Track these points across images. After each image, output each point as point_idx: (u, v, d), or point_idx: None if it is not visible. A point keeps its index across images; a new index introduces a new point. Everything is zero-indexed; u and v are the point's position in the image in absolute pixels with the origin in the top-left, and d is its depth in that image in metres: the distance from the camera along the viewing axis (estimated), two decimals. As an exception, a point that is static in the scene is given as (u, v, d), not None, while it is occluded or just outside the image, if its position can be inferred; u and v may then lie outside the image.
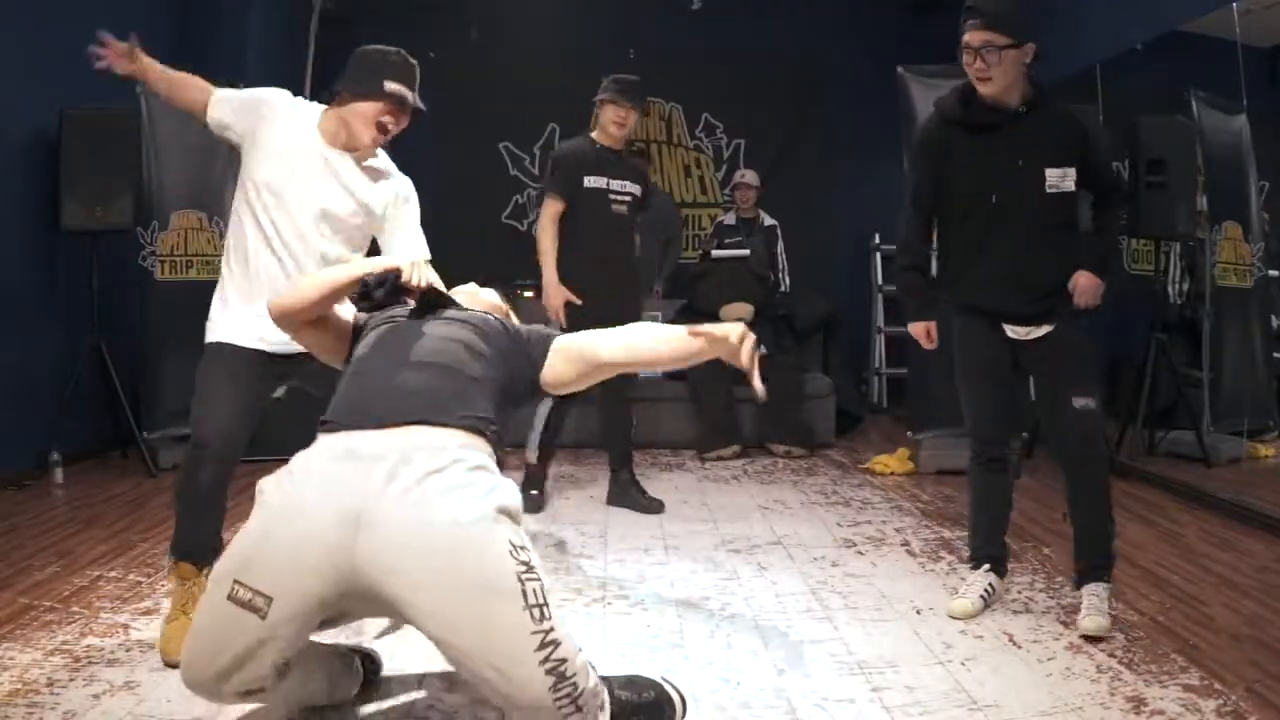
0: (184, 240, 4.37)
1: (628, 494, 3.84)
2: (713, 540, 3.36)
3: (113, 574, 2.89)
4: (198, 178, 4.48)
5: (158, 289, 4.39)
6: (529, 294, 6.09)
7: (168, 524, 3.37)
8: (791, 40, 6.49)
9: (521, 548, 1.58)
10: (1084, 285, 2.49)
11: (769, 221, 5.73)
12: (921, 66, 4.56)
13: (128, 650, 2.32)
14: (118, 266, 4.40)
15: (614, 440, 3.90)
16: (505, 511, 1.59)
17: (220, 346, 2.37)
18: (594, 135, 3.75)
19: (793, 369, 5.14)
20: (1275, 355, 4.55)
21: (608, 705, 1.69)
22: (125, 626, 2.47)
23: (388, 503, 1.53)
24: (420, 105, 2.38)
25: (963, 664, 2.30)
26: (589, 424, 5.03)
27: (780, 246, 5.58)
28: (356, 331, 2.04)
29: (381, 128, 2.34)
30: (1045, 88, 2.54)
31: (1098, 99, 4.74)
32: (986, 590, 2.67)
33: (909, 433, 4.62)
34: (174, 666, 2.12)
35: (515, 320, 2.15)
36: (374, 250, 2.53)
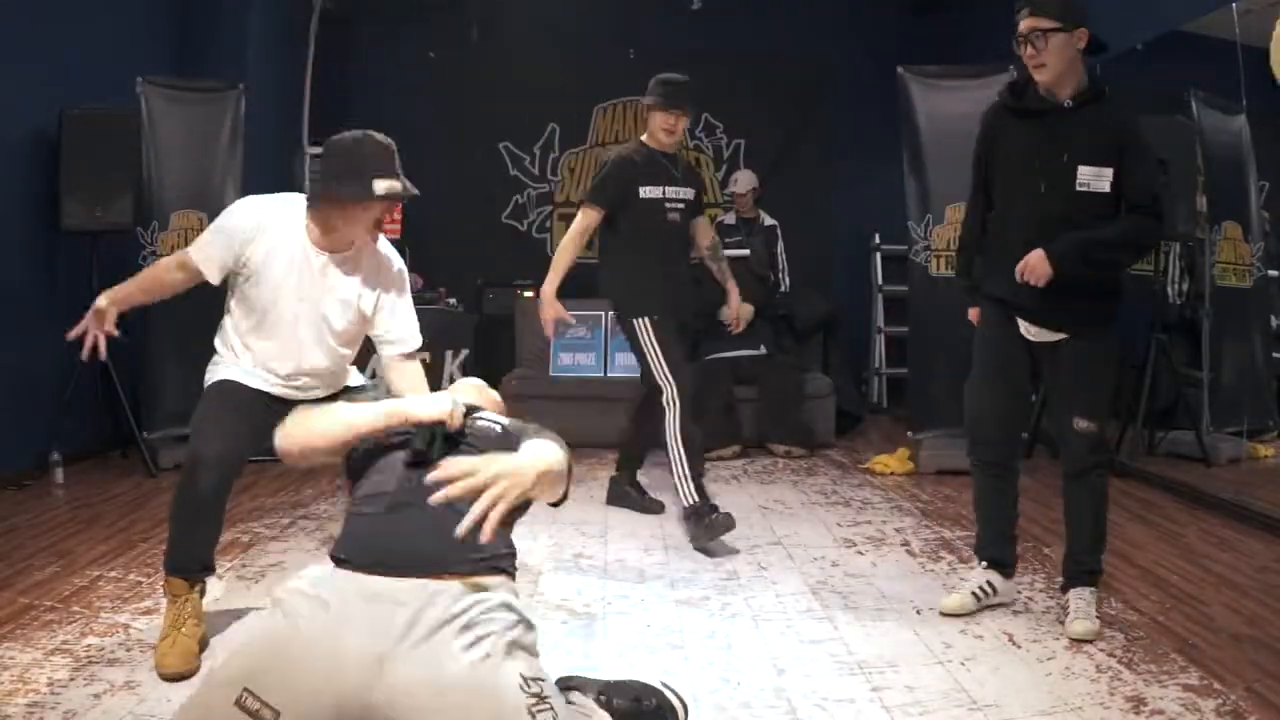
0: (184, 240, 4.36)
1: (627, 496, 3.83)
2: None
3: (113, 574, 2.89)
4: (198, 178, 4.48)
5: (158, 289, 4.39)
6: (529, 294, 6.11)
7: (168, 523, 3.39)
8: (791, 40, 6.49)
9: (534, 679, 1.56)
10: (1029, 259, 2.39)
11: (769, 221, 5.73)
12: (921, 66, 4.56)
13: (128, 650, 2.32)
14: (118, 266, 4.38)
15: (634, 444, 3.87)
16: (518, 645, 1.59)
17: (223, 382, 2.39)
18: (645, 140, 3.58)
19: (793, 369, 5.14)
20: (1275, 355, 4.54)
21: None
22: (125, 626, 2.47)
23: (407, 646, 1.53)
24: (414, 191, 2.27)
25: (963, 664, 2.30)
26: (588, 424, 5.04)
27: (780, 246, 5.57)
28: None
29: (377, 225, 2.30)
30: (1105, 87, 2.47)
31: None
32: (981, 589, 2.65)
33: (909, 433, 4.62)
34: (171, 680, 2.14)
35: (506, 420, 2.02)
36: None
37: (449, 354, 5.18)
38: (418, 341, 2.51)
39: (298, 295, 2.34)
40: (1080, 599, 2.53)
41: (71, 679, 2.15)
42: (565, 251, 3.50)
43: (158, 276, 2.44)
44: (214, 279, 2.35)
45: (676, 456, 3.37)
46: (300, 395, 2.44)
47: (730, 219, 5.88)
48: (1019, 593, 2.80)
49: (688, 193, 3.58)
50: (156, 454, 4.29)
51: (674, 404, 3.37)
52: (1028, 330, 2.54)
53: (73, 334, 2.35)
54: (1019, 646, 2.41)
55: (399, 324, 2.48)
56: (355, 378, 2.68)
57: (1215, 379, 4.49)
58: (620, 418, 5.18)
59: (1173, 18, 4.28)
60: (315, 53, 5.88)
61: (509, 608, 1.61)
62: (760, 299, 5.18)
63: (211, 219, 4.39)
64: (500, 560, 1.70)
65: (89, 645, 2.34)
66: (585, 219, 3.50)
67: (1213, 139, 4.39)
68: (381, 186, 2.19)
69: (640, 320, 3.45)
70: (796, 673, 2.26)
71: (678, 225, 3.56)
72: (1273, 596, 2.73)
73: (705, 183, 3.74)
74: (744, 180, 5.71)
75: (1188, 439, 4.43)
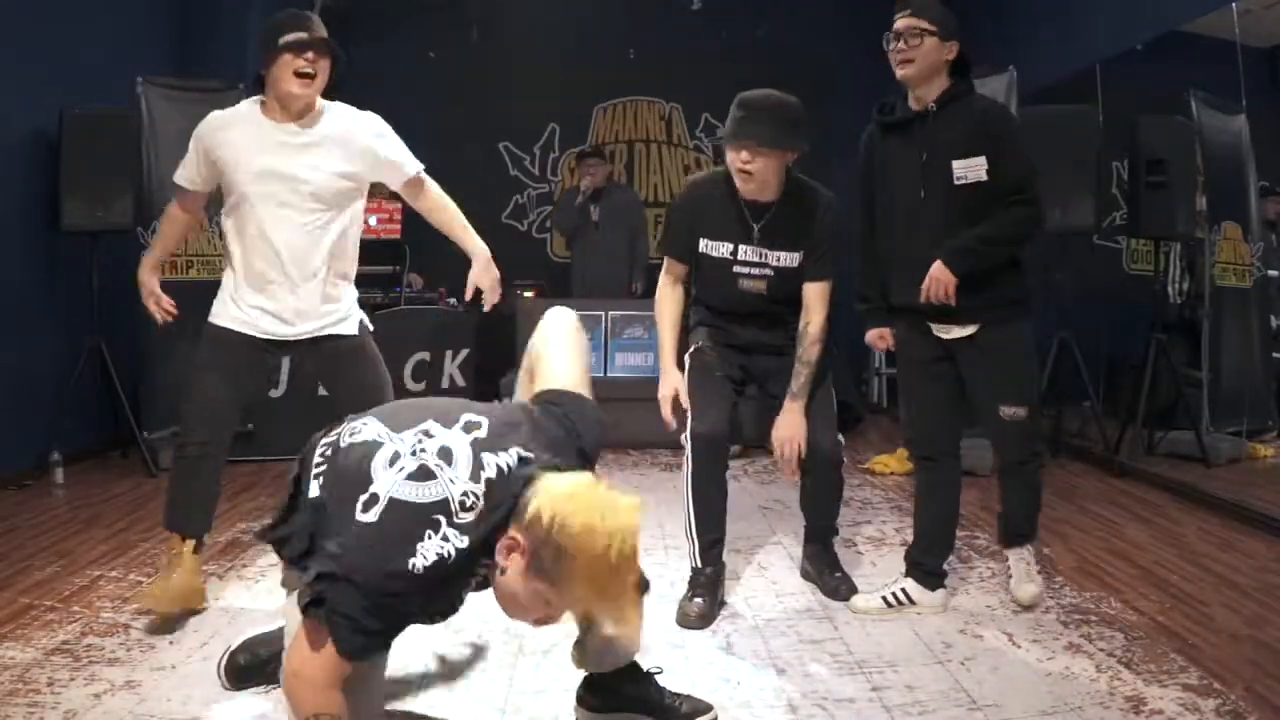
0: (183, 240, 4.37)
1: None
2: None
3: (113, 574, 2.89)
4: (198, 178, 4.48)
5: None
6: (529, 294, 6.11)
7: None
8: (792, 40, 6.49)
9: None
10: (931, 274, 2.42)
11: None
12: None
13: (128, 650, 2.32)
14: (118, 266, 4.39)
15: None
16: None
17: (216, 331, 2.55)
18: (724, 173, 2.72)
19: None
20: (1275, 355, 4.55)
21: None
22: (126, 626, 2.47)
23: None
24: (321, 33, 2.47)
25: (963, 664, 2.30)
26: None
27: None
28: None
29: (301, 74, 2.43)
30: (968, 88, 2.52)
31: (1098, 99, 4.74)
32: (895, 596, 2.62)
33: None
34: (162, 615, 2.43)
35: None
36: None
37: (449, 354, 5.17)
38: (416, 165, 2.65)
39: (270, 169, 2.48)
40: (1021, 559, 2.67)
41: (71, 679, 2.15)
42: (662, 318, 2.83)
43: (169, 227, 2.71)
44: (201, 190, 2.60)
45: (687, 507, 2.75)
46: (292, 329, 2.54)
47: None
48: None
49: (780, 258, 2.70)
50: (156, 454, 4.29)
51: (688, 444, 2.74)
52: (941, 331, 2.57)
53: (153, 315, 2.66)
54: (1019, 646, 2.41)
55: (388, 153, 2.60)
56: (351, 322, 2.65)
57: (1215, 379, 4.49)
58: (620, 418, 5.20)
59: (1173, 18, 4.28)
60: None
61: None
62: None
63: (211, 219, 4.45)
64: None
65: (89, 645, 2.34)
66: (668, 268, 2.84)
67: (1212, 139, 4.39)
68: (287, 38, 2.42)
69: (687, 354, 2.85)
70: (796, 673, 2.26)
71: (759, 296, 2.74)
72: (1273, 596, 2.73)
73: (821, 238, 2.70)
74: None
75: (1187, 439, 4.43)
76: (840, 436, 2.78)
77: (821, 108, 6.59)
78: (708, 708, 1.99)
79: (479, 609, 2.63)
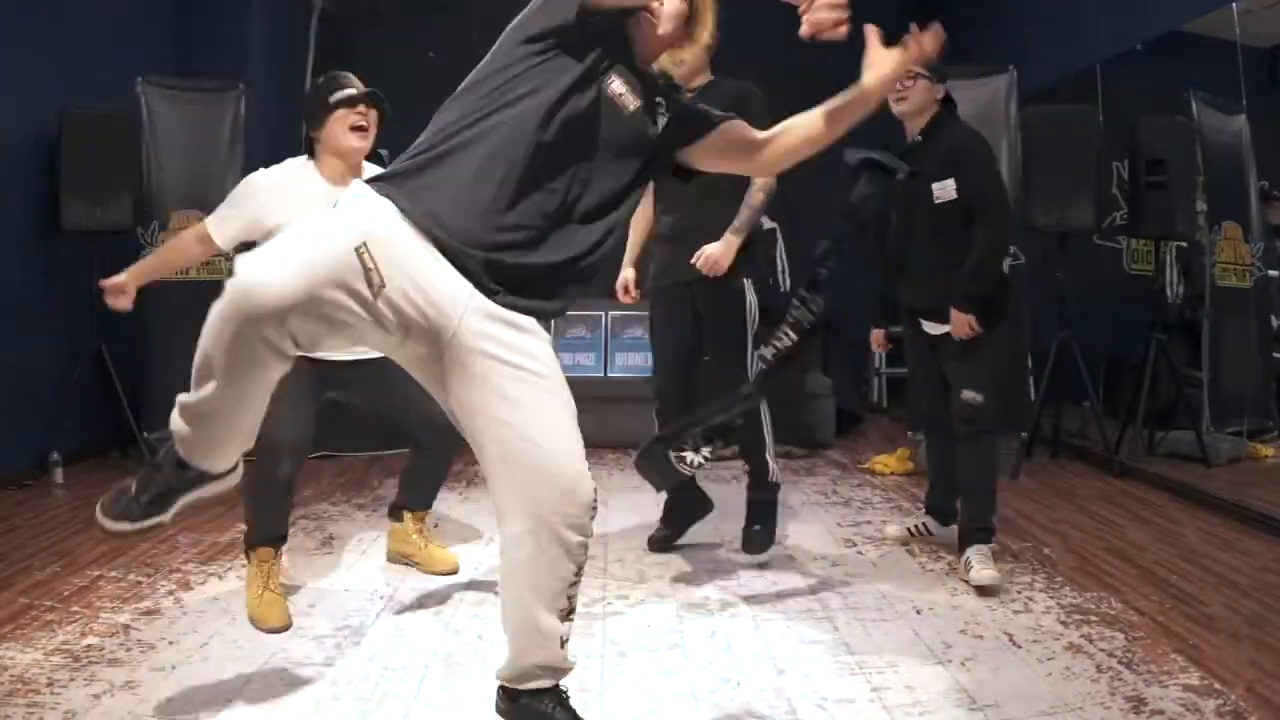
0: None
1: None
2: (713, 540, 3.36)
3: (113, 574, 2.89)
4: (198, 178, 4.48)
5: (158, 289, 4.37)
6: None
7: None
8: (791, 40, 6.48)
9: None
10: (954, 324, 2.90)
11: (768, 225, 5.72)
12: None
13: (128, 650, 2.32)
14: (118, 266, 4.37)
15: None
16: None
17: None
18: None
19: (793, 369, 5.15)
20: (1275, 355, 4.55)
21: None
22: (126, 626, 2.47)
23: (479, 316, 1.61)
24: (373, 91, 2.61)
25: (963, 664, 2.30)
26: (588, 424, 5.03)
27: (780, 249, 5.57)
28: None
29: (357, 127, 2.56)
30: (949, 119, 2.95)
31: (1098, 99, 4.74)
32: (917, 527, 3.33)
33: (909, 433, 4.61)
34: (272, 632, 2.44)
35: None
36: None
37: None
38: None
39: None
40: (978, 554, 2.89)
41: (71, 679, 2.15)
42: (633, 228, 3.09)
43: (179, 250, 2.69)
44: (224, 239, 2.57)
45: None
46: (348, 355, 2.58)
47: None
48: (1018, 593, 2.80)
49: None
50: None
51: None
52: (928, 327, 3.06)
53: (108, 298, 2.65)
54: (1019, 646, 2.41)
55: None
56: None
57: (1215, 379, 4.49)
58: (621, 417, 5.21)
59: (1173, 18, 4.28)
60: (315, 53, 5.88)
61: None
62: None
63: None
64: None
65: (89, 645, 2.34)
66: None
67: (1213, 139, 4.39)
68: (337, 95, 2.55)
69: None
70: (796, 673, 2.26)
71: None
72: (1273, 596, 2.73)
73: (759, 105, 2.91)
74: None
75: (1188, 439, 4.43)
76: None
77: (821, 108, 6.65)
78: None
79: (480, 609, 2.64)
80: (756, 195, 2.95)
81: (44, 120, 4.18)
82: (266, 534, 2.58)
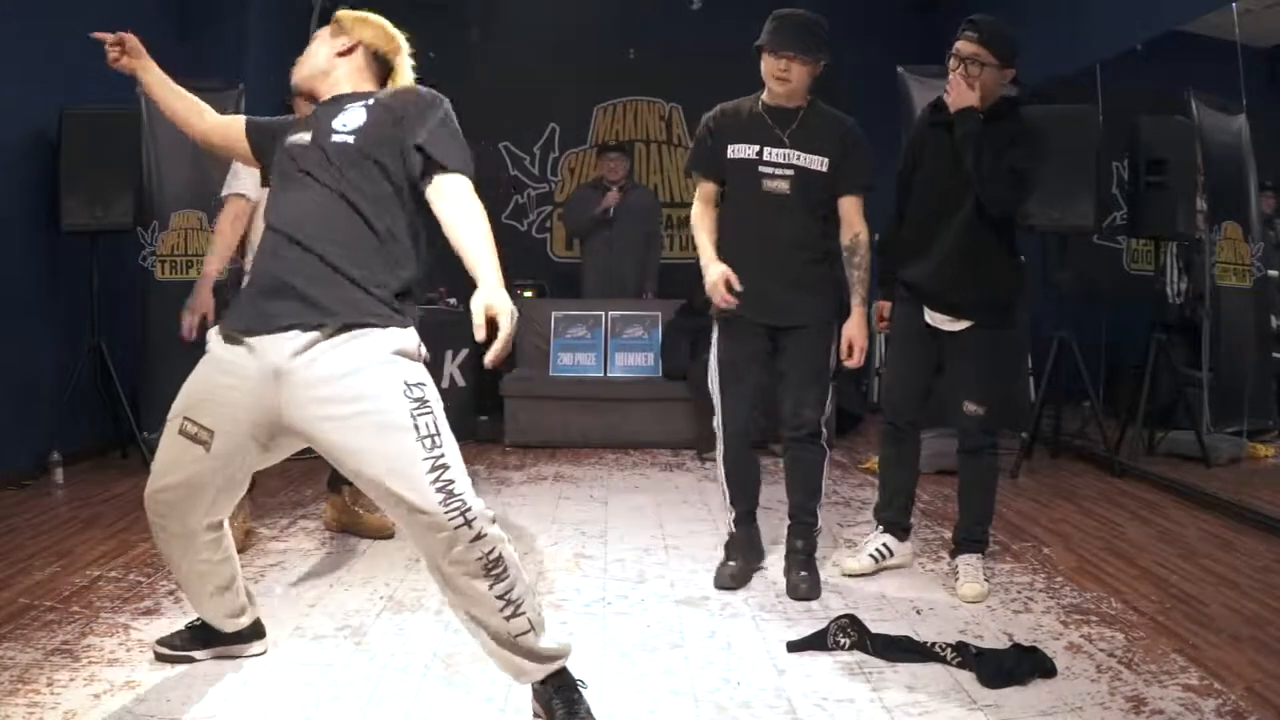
0: (184, 240, 4.38)
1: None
2: (713, 540, 3.35)
3: (113, 574, 2.89)
4: (198, 178, 4.48)
5: (158, 289, 4.39)
6: (529, 294, 6.11)
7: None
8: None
9: (417, 384, 1.85)
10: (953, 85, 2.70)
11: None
12: (921, 66, 4.56)
13: (128, 650, 2.32)
14: (118, 266, 4.40)
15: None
16: (401, 353, 1.87)
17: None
18: (763, 95, 2.86)
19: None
20: (1275, 355, 4.55)
21: (493, 519, 1.85)
22: (125, 626, 2.47)
23: (300, 362, 1.84)
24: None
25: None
26: (588, 424, 5.04)
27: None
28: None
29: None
30: (1017, 105, 2.77)
31: (1098, 99, 4.74)
32: (879, 551, 2.98)
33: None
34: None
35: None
36: None
37: (449, 354, 5.18)
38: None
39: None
40: (968, 564, 2.84)
41: (71, 679, 2.15)
42: (698, 231, 2.90)
43: (226, 229, 3.05)
44: (258, 194, 2.89)
45: (722, 487, 2.98)
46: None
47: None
48: (1018, 592, 2.80)
49: (804, 159, 2.76)
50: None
51: (720, 435, 2.93)
52: (933, 317, 2.84)
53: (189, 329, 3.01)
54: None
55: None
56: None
57: (1215, 379, 4.49)
58: (620, 417, 5.22)
59: (1173, 18, 4.28)
60: (315, 53, 5.88)
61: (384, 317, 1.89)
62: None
63: (211, 219, 4.46)
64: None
65: (89, 645, 2.34)
66: (698, 192, 2.93)
67: (1212, 139, 4.39)
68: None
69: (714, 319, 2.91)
70: (796, 673, 2.26)
71: (782, 198, 2.78)
72: (1273, 596, 2.73)
73: (849, 149, 2.79)
74: None
75: (1188, 439, 4.43)
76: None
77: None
78: None
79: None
80: (865, 257, 2.79)
81: (44, 120, 4.18)
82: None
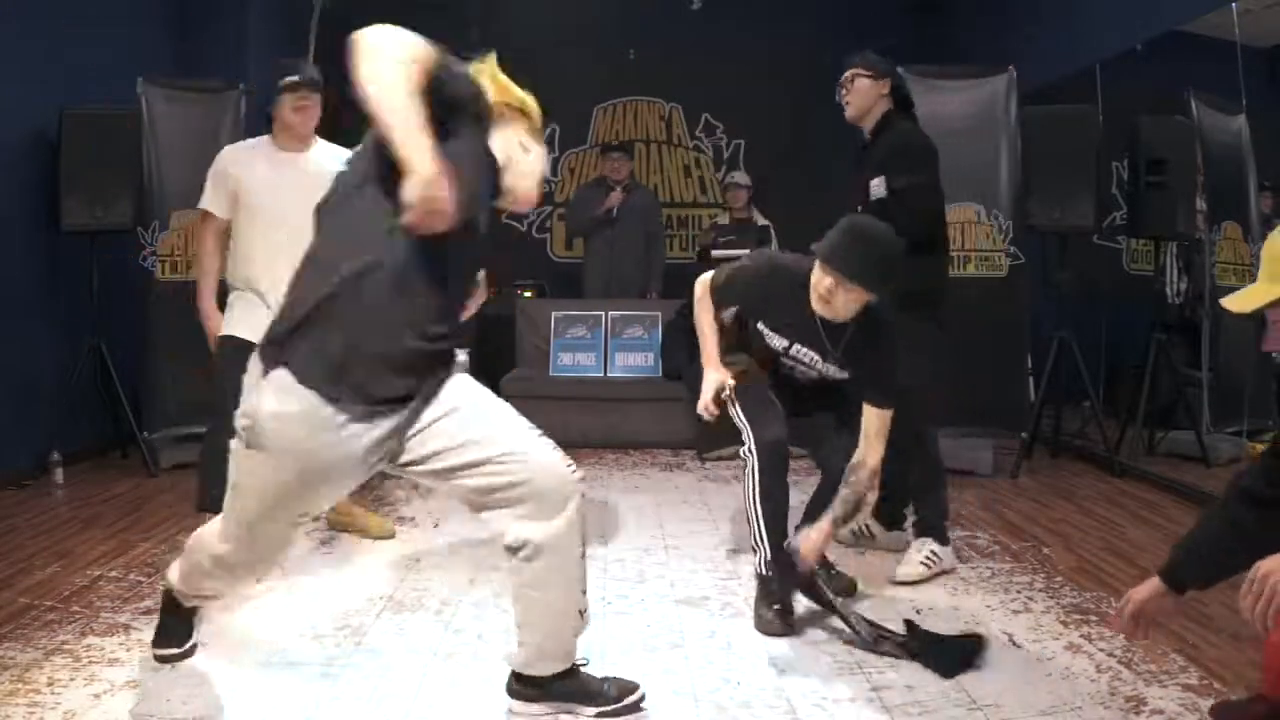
0: (184, 240, 4.37)
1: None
2: (713, 540, 3.36)
3: (113, 574, 2.89)
4: (198, 178, 4.43)
5: (158, 289, 4.38)
6: (528, 294, 6.11)
7: (168, 524, 3.40)
8: (792, 40, 6.49)
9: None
10: None
11: (762, 222, 5.73)
12: (922, 66, 4.55)
13: (128, 650, 2.32)
14: (118, 266, 4.40)
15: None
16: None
17: (229, 340, 2.93)
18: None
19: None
20: (1275, 355, 4.54)
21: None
22: (126, 626, 2.47)
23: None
24: (311, 74, 3.02)
25: (963, 664, 2.30)
26: (588, 424, 5.04)
27: (774, 247, 5.58)
28: None
29: (299, 108, 3.00)
30: (898, 119, 2.97)
31: (1097, 99, 4.74)
32: (863, 527, 3.21)
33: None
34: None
35: None
36: None
37: (449, 354, 5.17)
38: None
39: (275, 185, 2.96)
40: (920, 548, 2.95)
41: (71, 679, 2.15)
42: (701, 319, 2.80)
43: (205, 254, 3.15)
44: (223, 212, 3.08)
45: (752, 515, 2.66)
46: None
47: (724, 219, 5.90)
48: (1018, 592, 2.80)
49: (834, 371, 2.64)
50: (156, 454, 4.29)
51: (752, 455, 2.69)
52: None
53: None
54: (1019, 646, 2.41)
55: None
56: None
57: (1215, 379, 4.49)
58: (620, 418, 5.21)
59: (1173, 18, 4.28)
60: (315, 53, 5.88)
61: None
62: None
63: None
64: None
65: (89, 645, 2.34)
66: (705, 290, 2.75)
67: (1212, 139, 4.39)
68: (285, 80, 2.99)
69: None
70: (796, 673, 2.26)
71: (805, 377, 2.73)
72: (1273, 596, 2.72)
73: (882, 361, 2.55)
74: (742, 175, 5.74)
75: (1188, 439, 4.43)
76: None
77: (821, 108, 6.64)
78: (635, 686, 2.04)
79: (480, 609, 2.64)
80: (863, 481, 2.51)
81: (44, 120, 4.18)
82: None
